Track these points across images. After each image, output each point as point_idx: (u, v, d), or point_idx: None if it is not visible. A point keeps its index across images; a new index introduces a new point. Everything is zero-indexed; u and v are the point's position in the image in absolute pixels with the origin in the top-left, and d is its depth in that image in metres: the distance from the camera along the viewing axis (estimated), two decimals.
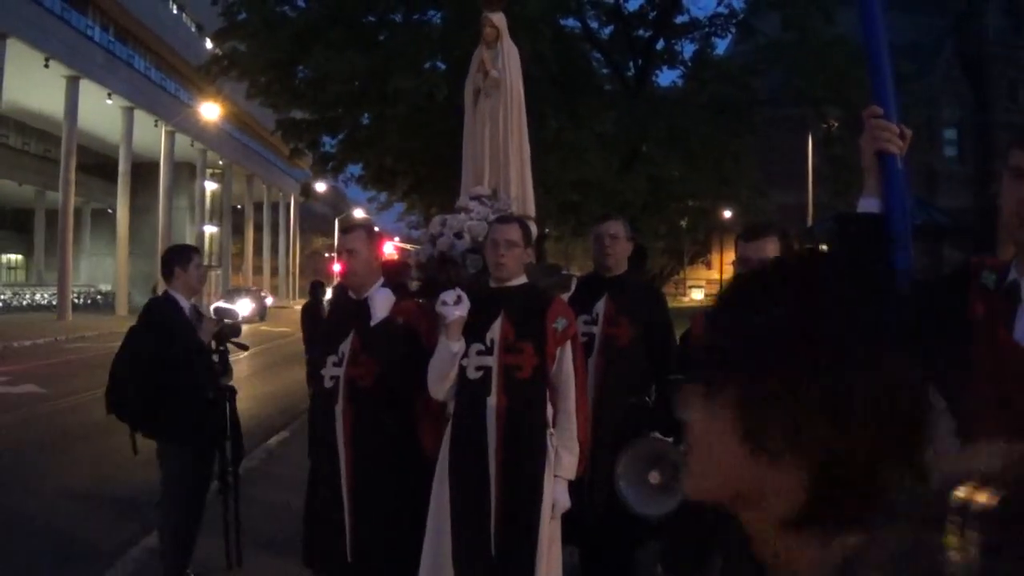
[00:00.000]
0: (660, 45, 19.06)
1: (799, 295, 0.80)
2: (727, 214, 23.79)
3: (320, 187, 36.85)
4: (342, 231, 4.26)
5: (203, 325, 5.29)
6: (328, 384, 3.89)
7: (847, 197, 19.62)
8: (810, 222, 29.49)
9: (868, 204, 2.07)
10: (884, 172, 2.03)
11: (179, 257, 5.30)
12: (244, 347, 6.04)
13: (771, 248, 2.99)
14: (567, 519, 3.80)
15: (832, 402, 0.75)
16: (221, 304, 6.21)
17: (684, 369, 2.96)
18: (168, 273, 5.28)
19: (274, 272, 68.79)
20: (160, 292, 5.52)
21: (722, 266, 41.37)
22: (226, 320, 5.53)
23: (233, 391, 5.36)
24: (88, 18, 37.41)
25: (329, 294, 12.75)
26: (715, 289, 47.03)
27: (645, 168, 16.93)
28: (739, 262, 3.05)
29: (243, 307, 47.40)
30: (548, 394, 3.75)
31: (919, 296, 1.92)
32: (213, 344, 5.34)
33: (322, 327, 5.39)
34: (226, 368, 5.38)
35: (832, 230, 2.34)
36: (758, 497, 0.81)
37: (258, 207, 64.50)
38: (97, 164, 45.29)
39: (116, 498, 7.61)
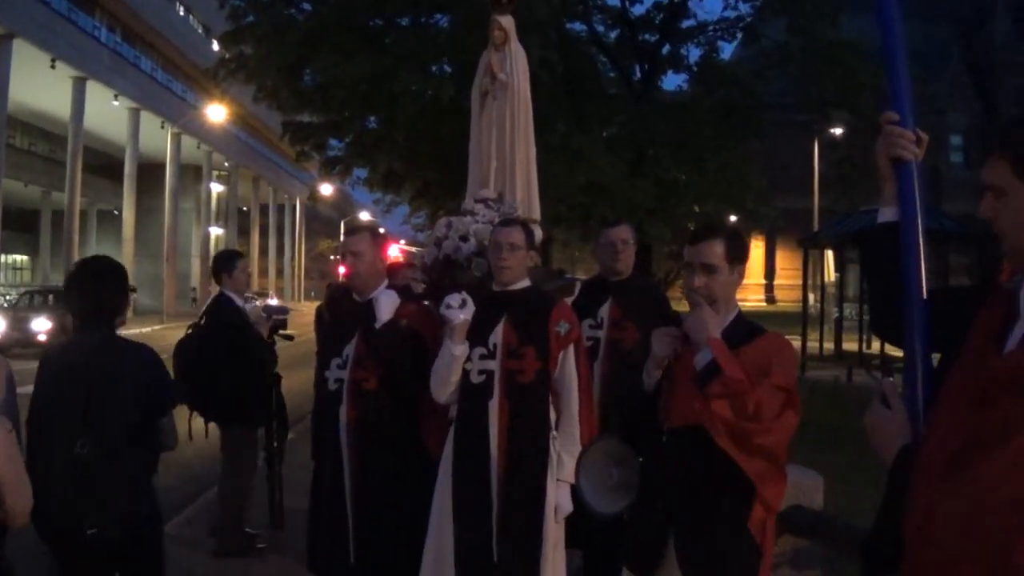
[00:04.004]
0: (666, 49, 19.07)
1: None
2: (733, 219, 23.64)
3: (326, 190, 36.84)
4: (347, 233, 4.25)
5: (260, 320, 6.12)
6: (332, 386, 3.88)
7: (853, 201, 19.59)
8: (816, 227, 29.44)
9: (886, 214, 2.00)
10: (899, 179, 1.96)
11: (226, 264, 6.03)
12: (290, 337, 6.71)
13: (716, 251, 2.82)
14: (572, 522, 3.79)
15: None
16: (271, 302, 6.84)
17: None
18: (217, 279, 5.99)
19: (279, 274, 68.82)
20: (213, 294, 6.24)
21: None
22: (276, 316, 6.37)
23: (279, 377, 6.19)
24: (95, 19, 37.42)
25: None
26: None
27: (652, 172, 16.91)
28: (684, 266, 2.93)
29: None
30: (551, 398, 3.74)
31: (942, 301, 1.87)
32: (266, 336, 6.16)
33: (326, 330, 5.50)
34: (274, 357, 6.19)
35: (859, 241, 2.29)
36: None
37: (264, 209, 64.52)
38: (103, 165, 45.29)
39: None
